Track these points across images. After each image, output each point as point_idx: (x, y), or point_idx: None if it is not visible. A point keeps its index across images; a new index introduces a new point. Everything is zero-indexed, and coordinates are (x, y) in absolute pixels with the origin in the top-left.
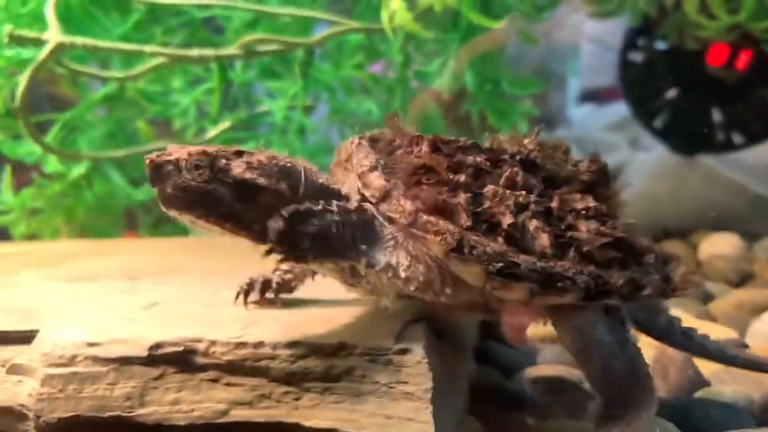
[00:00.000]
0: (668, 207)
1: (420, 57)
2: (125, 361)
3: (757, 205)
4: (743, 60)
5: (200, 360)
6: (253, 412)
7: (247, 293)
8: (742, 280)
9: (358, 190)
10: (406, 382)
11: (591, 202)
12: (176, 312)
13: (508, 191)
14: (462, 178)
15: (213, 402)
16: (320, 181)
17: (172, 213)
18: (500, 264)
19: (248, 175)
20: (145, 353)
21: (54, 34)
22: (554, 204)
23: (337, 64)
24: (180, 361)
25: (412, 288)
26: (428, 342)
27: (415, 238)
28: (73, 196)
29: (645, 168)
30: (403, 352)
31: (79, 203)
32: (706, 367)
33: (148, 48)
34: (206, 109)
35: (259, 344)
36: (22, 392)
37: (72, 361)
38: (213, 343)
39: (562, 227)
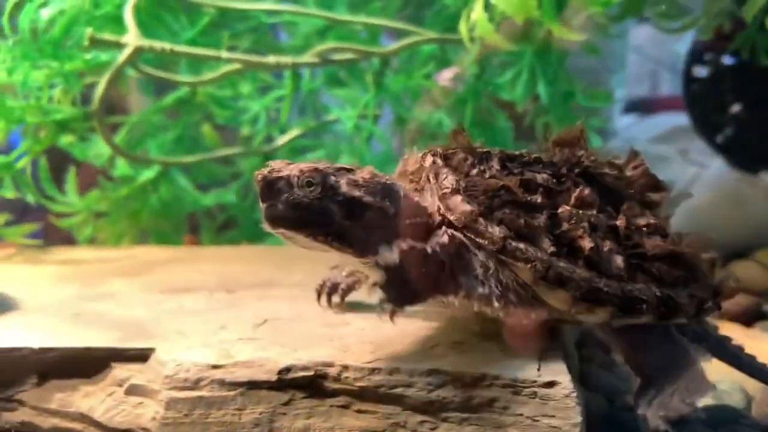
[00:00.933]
0: (726, 224)
1: (490, 67)
2: (253, 386)
3: None
4: None
5: (331, 385)
6: None
7: (329, 295)
8: None
9: (438, 210)
10: (552, 416)
11: (651, 219)
12: (293, 331)
13: (581, 211)
14: (538, 199)
15: (345, 429)
16: (416, 199)
17: (280, 231)
18: (585, 289)
19: (356, 193)
20: (274, 377)
21: (133, 38)
22: (620, 222)
23: (409, 74)
24: (310, 386)
25: (501, 314)
26: (573, 373)
27: (503, 265)
28: (139, 200)
29: (701, 182)
30: (551, 385)
31: (145, 207)
32: None
33: (224, 54)
34: (274, 116)
35: (394, 370)
36: (144, 415)
37: (197, 384)
38: (345, 368)
39: (630, 245)
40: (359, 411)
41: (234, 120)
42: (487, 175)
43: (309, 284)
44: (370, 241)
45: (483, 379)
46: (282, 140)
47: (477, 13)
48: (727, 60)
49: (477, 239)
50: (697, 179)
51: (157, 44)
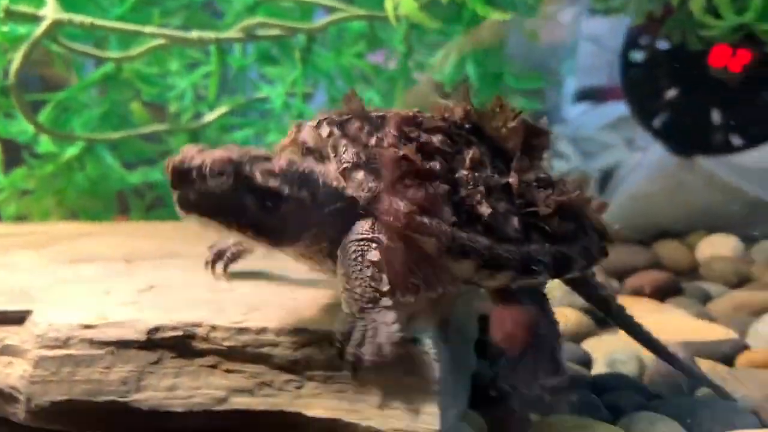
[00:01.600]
0: (665, 208)
1: (422, 47)
2: (122, 345)
3: (755, 208)
4: (744, 62)
5: (199, 345)
6: (253, 400)
7: (214, 263)
8: (741, 281)
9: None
10: (413, 374)
11: (540, 172)
12: (175, 296)
13: (476, 174)
14: (437, 165)
15: (212, 389)
16: (333, 184)
17: (192, 218)
18: (487, 257)
19: (272, 184)
20: (143, 337)
21: (51, 11)
22: (512, 180)
23: (338, 52)
24: (178, 345)
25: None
26: (436, 334)
27: (409, 239)
28: (65, 177)
29: (641, 168)
30: (412, 342)
31: (70, 185)
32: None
33: (147, 29)
34: (203, 93)
35: (261, 330)
36: (12, 374)
37: (66, 343)
38: (213, 328)
39: (524, 204)
40: (227, 371)
41: (160, 97)
42: (385, 144)
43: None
44: (287, 231)
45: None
46: (209, 117)
47: None
48: (661, 45)
49: (381, 217)
50: (639, 165)
51: (77, 18)
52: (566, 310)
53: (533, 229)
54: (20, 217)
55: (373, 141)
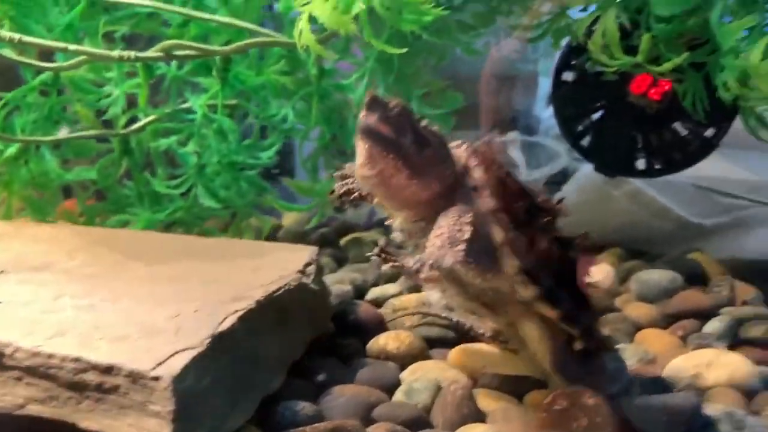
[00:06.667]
0: (591, 221)
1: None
2: None
3: (678, 227)
4: (662, 91)
5: (7, 361)
6: (43, 409)
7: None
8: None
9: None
10: (155, 403)
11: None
12: (8, 314)
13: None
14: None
15: (15, 396)
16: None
17: (367, 143)
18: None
19: (424, 132)
20: None
21: None
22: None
23: (259, 71)
24: None
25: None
26: (186, 371)
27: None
28: (9, 173)
29: (574, 180)
30: (156, 378)
31: (15, 179)
32: None
33: (72, 46)
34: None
35: (51, 356)
36: None
37: None
38: (17, 349)
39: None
40: (28, 383)
41: (95, 104)
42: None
43: (72, 270)
44: (422, 172)
45: (112, 369)
46: (138, 124)
47: (302, 23)
48: (591, 66)
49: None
50: (572, 177)
51: (5, 33)
52: (402, 334)
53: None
54: None
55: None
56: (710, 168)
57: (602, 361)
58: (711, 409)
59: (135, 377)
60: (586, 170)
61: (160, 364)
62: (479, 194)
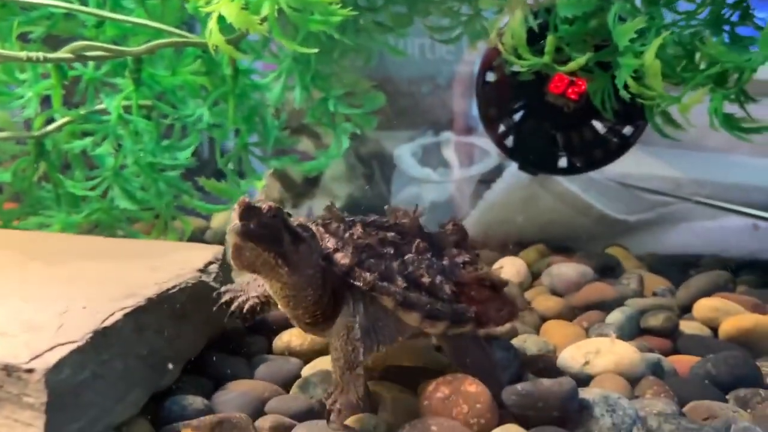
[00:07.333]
0: (518, 218)
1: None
2: None
3: (601, 223)
4: (580, 91)
5: None
6: None
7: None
8: None
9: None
10: (29, 395)
11: (466, 257)
12: None
13: (420, 256)
14: (391, 250)
15: None
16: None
17: (247, 244)
18: (428, 310)
19: (297, 229)
20: None
21: None
22: (445, 262)
23: (174, 71)
24: None
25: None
26: (62, 364)
27: (373, 298)
28: None
29: (501, 179)
30: (30, 371)
31: None
32: None
33: None
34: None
35: None
36: None
37: None
38: None
39: (453, 277)
40: None
41: (8, 106)
42: (355, 237)
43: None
44: (300, 264)
45: None
46: (52, 126)
47: (212, 23)
48: (511, 67)
49: (354, 282)
50: (500, 176)
51: None
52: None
53: (461, 294)
54: None
55: (347, 235)
56: (635, 166)
57: (491, 350)
58: (589, 394)
59: (10, 370)
60: (514, 169)
61: (35, 357)
62: (335, 257)
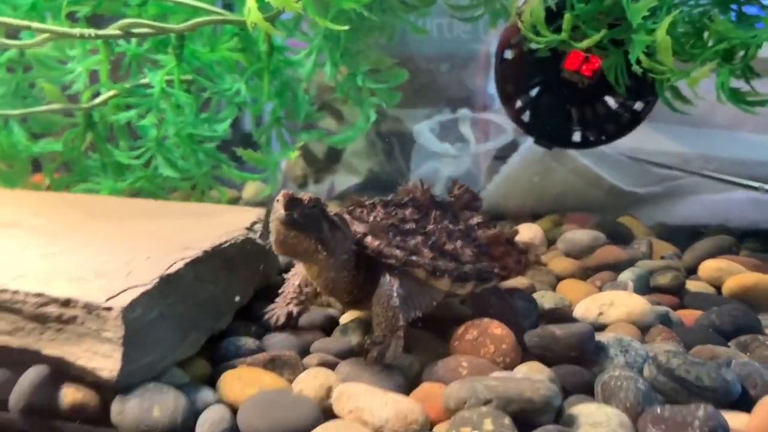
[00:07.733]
0: (534, 190)
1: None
2: None
3: (611, 193)
4: (594, 67)
5: None
6: (10, 339)
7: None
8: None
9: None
10: (108, 330)
11: (478, 218)
12: None
13: (438, 226)
14: (413, 226)
15: None
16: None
17: (291, 232)
18: (456, 274)
19: (333, 217)
20: None
21: None
22: (462, 226)
23: (213, 48)
24: None
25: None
26: (135, 304)
27: (405, 272)
28: None
29: (517, 153)
30: (108, 309)
31: None
32: None
33: (34, 24)
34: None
35: (16, 292)
36: None
37: None
38: None
39: (472, 239)
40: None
41: (59, 80)
42: (379, 219)
43: (38, 227)
44: (337, 249)
45: (70, 302)
46: (98, 99)
47: (250, 1)
48: (529, 45)
49: (387, 261)
50: (516, 151)
51: None
52: None
53: (481, 254)
54: None
55: (371, 218)
56: (646, 141)
57: (513, 301)
58: (604, 337)
59: (90, 308)
60: (529, 144)
61: (111, 297)
62: (365, 241)
